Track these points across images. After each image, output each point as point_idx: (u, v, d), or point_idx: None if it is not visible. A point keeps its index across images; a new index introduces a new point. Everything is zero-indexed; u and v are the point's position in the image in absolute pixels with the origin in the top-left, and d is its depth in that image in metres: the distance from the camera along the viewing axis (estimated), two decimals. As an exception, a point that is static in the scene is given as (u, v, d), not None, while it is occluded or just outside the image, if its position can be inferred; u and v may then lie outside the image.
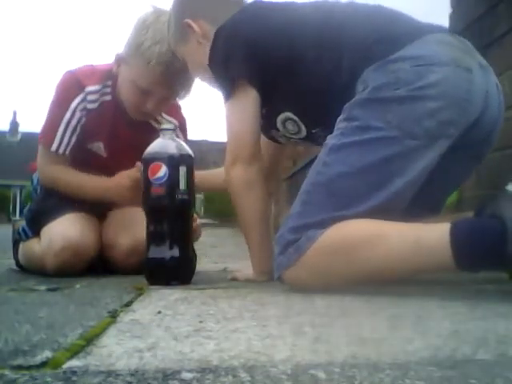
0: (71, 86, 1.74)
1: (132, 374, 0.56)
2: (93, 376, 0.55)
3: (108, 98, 1.77)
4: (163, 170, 1.34)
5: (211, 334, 0.75)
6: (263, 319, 0.86)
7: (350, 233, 1.14)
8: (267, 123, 1.44)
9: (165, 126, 1.44)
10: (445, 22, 2.11)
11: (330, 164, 1.20)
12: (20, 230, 1.83)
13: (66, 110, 1.71)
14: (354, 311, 0.96)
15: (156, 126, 1.80)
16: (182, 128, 1.88)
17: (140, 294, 1.16)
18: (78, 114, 1.72)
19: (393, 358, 0.62)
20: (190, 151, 1.42)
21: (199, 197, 12.44)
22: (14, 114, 30.05)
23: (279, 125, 1.43)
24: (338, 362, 0.60)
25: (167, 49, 1.60)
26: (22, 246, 1.83)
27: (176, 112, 1.91)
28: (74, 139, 1.74)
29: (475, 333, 0.76)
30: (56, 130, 1.71)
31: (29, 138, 28.53)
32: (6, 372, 0.56)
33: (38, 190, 1.87)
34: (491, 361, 0.62)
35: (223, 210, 13.07)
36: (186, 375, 0.55)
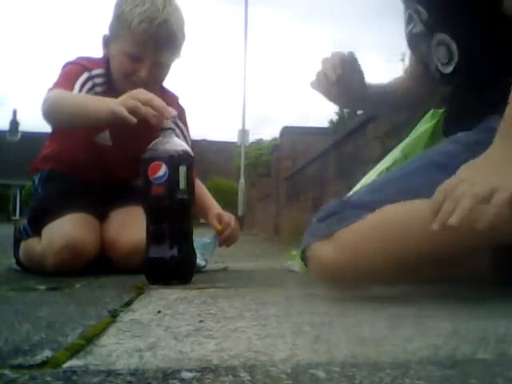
0: (76, 69, 1.73)
1: (132, 374, 0.56)
2: (93, 375, 0.55)
3: (105, 87, 1.75)
4: (163, 170, 1.34)
5: (211, 334, 0.75)
6: (263, 319, 0.86)
7: (402, 212, 0.99)
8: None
9: (165, 125, 1.44)
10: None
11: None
12: (21, 228, 1.83)
13: (78, 75, 1.69)
14: (353, 311, 0.96)
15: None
16: (181, 118, 1.87)
17: (140, 294, 1.16)
18: (89, 83, 1.70)
19: (393, 357, 0.62)
20: (190, 150, 1.42)
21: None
22: (14, 113, 30.04)
23: (433, 47, 1.21)
24: (337, 362, 0.60)
25: (147, 8, 1.62)
26: (22, 244, 1.83)
27: (174, 103, 1.90)
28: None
29: (475, 332, 0.76)
30: (72, 84, 1.66)
31: (29, 137, 28.53)
32: (6, 371, 0.56)
33: (40, 190, 1.87)
34: (491, 360, 0.62)
35: (223, 210, 13.09)
36: (186, 374, 0.55)
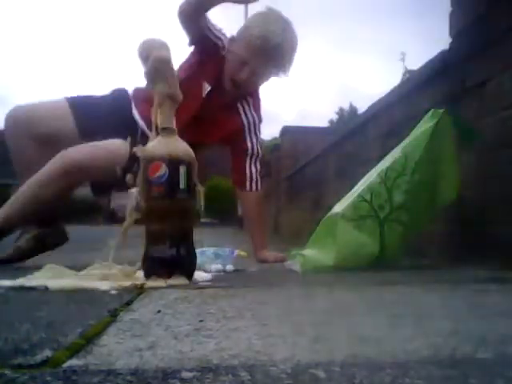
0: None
1: (132, 373, 0.56)
2: (93, 375, 0.55)
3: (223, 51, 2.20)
4: (163, 169, 1.34)
5: (211, 333, 0.75)
6: (263, 318, 0.86)
7: None
8: None
9: (165, 125, 1.44)
10: (444, 20, 2.11)
11: None
12: None
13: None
14: (354, 310, 0.96)
15: (239, 107, 2.29)
16: (259, 124, 2.34)
17: (140, 293, 1.16)
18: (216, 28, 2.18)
19: (393, 357, 0.62)
20: (190, 150, 1.42)
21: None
22: (14, 113, 30.00)
23: None
24: (338, 361, 0.60)
25: (269, 29, 2.08)
26: None
27: (259, 111, 2.35)
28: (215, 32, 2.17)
29: (475, 332, 0.76)
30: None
31: (29, 137, 28.56)
32: (6, 371, 0.56)
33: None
34: (491, 360, 0.62)
35: (223, 210, 13.06)
36: (186, 374, 0.55)
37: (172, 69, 1.50)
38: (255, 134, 2.34)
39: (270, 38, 2.10)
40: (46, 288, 1.22)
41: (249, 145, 2.32)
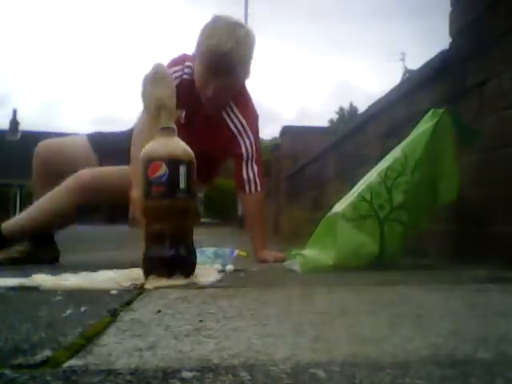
0: (177, 59, 2.26)
1: (132, 373, 0.56)
2: (93, 375, 0.55)
3: (190, 77, 2.22)
4: (163, 169, 1.34)
5: (211, 333, 0.75)
6: (263, 318, 0.86)
7: None
8: None
9: (165, 124, 1.44)
10: (444, 20, 2.11)
11: None
12: None
13: (171, 68, 2.17)
14: (353, 310, 0.96)
15: (226, 118, 2.28)
16: (251, 127, 2.31)
17: (140, 293, 1.16)
18: (178, 73, 2.20)
19: (393, 356, 0.62)
20: (189, 150, 1.42)
21: (199, 196, 12.47)
22: (14, 112, 30.03)
23: None
24: (338, 361, 0.60)
25: (214, 42, 2.06)
26: None
27: (248, 112, 2.33)
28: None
29: (475, 332, 0.76)
30: None
31: (29, 136, 28.50)
32: (6, 371, 0.56)
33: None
34: (491, 360, 0.62)
35: (223, 210, 13.06)
36: (186, 374, 0.55)
37: (169, 80, 1.52)
38: (247, 136, 2.32)
39: (215, 50, 2.09)
40: (46, 287, 1.22)
41: (243, 150, 2.32)
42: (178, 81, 2.17)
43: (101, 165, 2.21)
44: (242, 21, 2.39)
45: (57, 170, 2.23)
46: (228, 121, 2.30)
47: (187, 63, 2.24)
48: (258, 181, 2.35)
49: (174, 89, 1.55)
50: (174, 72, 2.19)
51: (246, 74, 2.24)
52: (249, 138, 2.32)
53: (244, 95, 2.37)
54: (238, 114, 2.31)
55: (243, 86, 2.35)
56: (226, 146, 2.33)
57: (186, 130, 2.11)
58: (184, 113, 2.21)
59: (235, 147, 2.33)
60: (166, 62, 2.14)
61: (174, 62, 2.25)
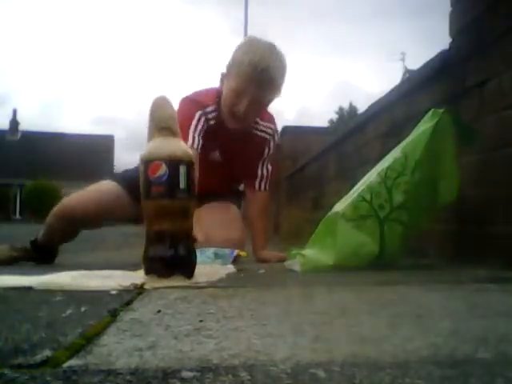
0: (192, 105, 2.19)
1: (132, 373, 0.56)
2: (93, 375, 0.55)
3: (216, 118, 2.21)
4: (163, 169, 1.34)
5: (211, 333, 0.75)
6: (263, 318, 0.86)
7: None
8: None
9: (164, 125, 1.44)
10: (444, 20, 2.11)
11: None
12: None
13: (192, 119, 2.15)
14: (353, 310, 0.96)
15: (257, 132, 2.33)
16: (275, 126, 2.40)
17: (140, 293, 1.16)
18: (202, 121, 2.16)
19: (393, 356, 0.62)
20: (189, 150, 1.42)
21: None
22: (14, 112, 30.03)
23: None
24: (338, 361, 0.60)
25: (255, 57, 2.08)
26: None
27: (272, 120, 2.39)
28: (200, 140, 2.14)
29: (475, 332, 0.76)
30: (187, 132, 2.09)
31: (29, 136, 28.51)
32: (6, 371, 0.56)
33: None
34: (491, 360, 0.62)
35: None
36: (186, 374, 0.55)
37: (169, 105, 1.51)
38: (277, 136, 2.44)
39: (258, 63, 2.10)
40: (44, 287, 1.22)
41: (266, 150, 2.41)
42: (213, 122, 2.20)
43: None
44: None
45: (93, 225, 2.34)
46: (259, 133, 2.35)
47: (209, 108, 2.21)
48: (268, 180, 2.43)
49: (174, 112, 1.53)
50: (209, 113, 2.20)
51: (279, 91, 2.25)
52: (273, 139, 2.41)
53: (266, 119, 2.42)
54: (262, 122, 2.35)
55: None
56: (262, 151, 2.42)
57: (225, 165, 2.30)
58: (218, 152, 2.29)
59: (266, 148, 2.42)
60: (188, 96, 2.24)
61: (190, 117, 2.18)
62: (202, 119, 2.17)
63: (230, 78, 2.17)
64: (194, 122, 2.15)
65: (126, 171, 2.40)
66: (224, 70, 2.23)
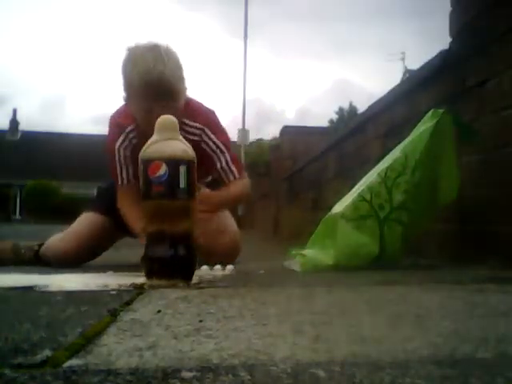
0: (115, 128, 2.19)
1: (132, 373, 0.56)
2: (93, 375, 0.55)
3: (138, 135, 2.11)
4: (163, 169, 1.34)
5: (211, 333, 0.75)
6: (263, 318, 0.86)
7: None
8: None
9: (164, 124, 1.44)
10: (444, 20, 2.11)
11: None
12: None
13: (114, 152, 2.16)
14: (353, 310, 0.96)
15: (187, 135, 1.98)
16: (211, 129, 2.19)
17: (140, 293, 1.16)
18: (122, 152, 2.16)
19: (393, 356, 0.62)
20: (189, 150, 1.42)
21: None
22: (14, 112, 30.02)
23: None
24: (338, 361, 0.60)
25: (142, 68, 1.95)
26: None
27: (199, 115, 2.19)
28: (130, 170, 2.16)
29: (475, 332, 0.76)
30: (115, 171, 2.18)
31: (29, 136, 28.50)
32: (6, 371, 0.56)
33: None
34: (491, 360, 0.62)
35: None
36: (186, 374, 0.55)
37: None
38: (213, 133, 2.19)
39: (148, 79, 1.95)
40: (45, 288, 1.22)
41: (206, 149, 2.19)
42: (137, 140, 2.09)
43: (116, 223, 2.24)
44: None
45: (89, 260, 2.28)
46: (189, 136, 2.04)
47: (129, 127, 2.15)
48: (232, 168, 2.20)
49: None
50: (130, 132, 2.14)
51: (182, 82, 2.07)
52: (206, 133, 2.18)
53: (189, 104, 2.19)
54: (188, 121, 2.15)
55: (186, 100, 2.16)
56: (202, 153, 2.07)
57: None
58: None
59: (204, 148, 2.18)
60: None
61: (113, 139, 2.16)
62: (126, 142, 2.16)
63: (130, 99, 2.08)
64: (116, 157, 2.17)
65: (100, 192, 2.42)
66: (123, 93, 2.11)
